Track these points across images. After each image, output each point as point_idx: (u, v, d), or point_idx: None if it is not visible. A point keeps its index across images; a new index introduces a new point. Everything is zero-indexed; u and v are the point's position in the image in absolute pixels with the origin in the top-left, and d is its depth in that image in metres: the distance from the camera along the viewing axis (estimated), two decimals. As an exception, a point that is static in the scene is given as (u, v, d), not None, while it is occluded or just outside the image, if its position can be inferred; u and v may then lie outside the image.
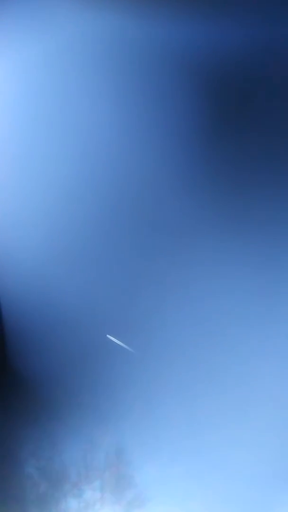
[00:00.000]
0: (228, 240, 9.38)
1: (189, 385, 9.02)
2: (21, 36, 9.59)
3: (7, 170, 9.34)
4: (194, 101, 9.76)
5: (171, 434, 8.83)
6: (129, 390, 8.86)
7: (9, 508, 8.01)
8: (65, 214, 9.46)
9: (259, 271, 9.33)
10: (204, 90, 9.77)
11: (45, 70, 9.73)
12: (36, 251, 9.28)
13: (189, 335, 9.09)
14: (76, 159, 9.62)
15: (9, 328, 8.83)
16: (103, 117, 9.68)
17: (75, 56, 9.72)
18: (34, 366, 8.93)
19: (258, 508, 8.61)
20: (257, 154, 9.69)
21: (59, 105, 9.71)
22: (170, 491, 8.58)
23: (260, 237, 9.42)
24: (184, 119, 9.79)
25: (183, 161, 9.68)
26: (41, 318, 9.09)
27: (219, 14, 9.66)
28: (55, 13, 9.59)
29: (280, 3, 9.75)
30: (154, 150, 9.65)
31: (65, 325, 9.09)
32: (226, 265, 9.29)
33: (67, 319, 9.11)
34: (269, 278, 9.32)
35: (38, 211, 9.46)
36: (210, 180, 9.61)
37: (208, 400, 8.95)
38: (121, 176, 9.54)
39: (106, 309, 9.17)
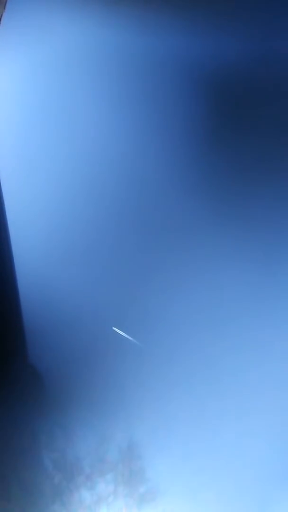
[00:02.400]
0: (227, 237, 9.58)
1: (200, 380, 9.10)
2: (26, 43, 9.86)
3: (14, 170, 9.50)
4: (194, 107, 10.05)
5: (182, 429, 8.88)
6: (141, 385, 8.93)
7: (24, 499, 7.98)
8: (70, 214, 9.62)
9: (258, 266, 9.53)
10: (203, 96, 10.07)
11: (49, 77, 9.98)
12: (43, 251, 9.40)
13: (195, 328, 9.22)
14: (81, 161, 9.82)
15: (27, 325, 8.91)
16: (106, 122, 9.91)
17: (78, 63, 9.99)
18: (48, 361, 8.97)
19: (269, 501, 8.64)
20: (255, 156, 9.97)
21: (63, 110, 9.94)
22: (181, 485, 8.59)
23: (259, 234, 9.64)
24: (184, 124, 10.06)
25: (184, 163, 9.93)
26: (54, 315, 9.18)
27: (219, 24, 10.03)
28: (59, 22, 9.89)
29: (276, 15, 10.15)
30: (156, 152, 9.89)
31: (76, 322, 9.18)
32: (226, 260, 9.47)
33: (79, 316, 9.20)
34: (268, 273, 9.52)
35: (44, 211, 9.62)
36: (210, 181, 9.86)
37: (219, 395, 9.02)
38: (125, 178, 9.74)
39: (115, 305, 9.29)
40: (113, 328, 8.93)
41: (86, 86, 9.93)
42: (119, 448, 8.48)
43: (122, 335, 8.87)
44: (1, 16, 9.02)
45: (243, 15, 10.15)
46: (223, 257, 9.49)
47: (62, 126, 9.87)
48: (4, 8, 8.96)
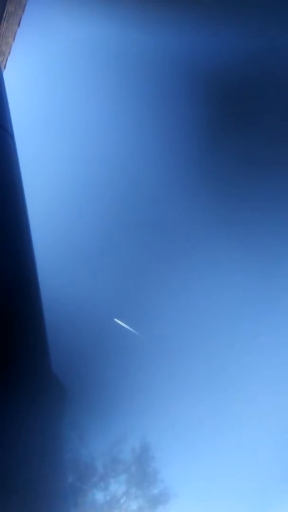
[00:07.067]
0: (226, 240, 9.58)
1: (210, 387, 9.11)
2: (42, 44, 9.90)
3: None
4: (194, 107, 10.04)
5: (195, 432, 8.88)
6: (154, 390, 8.95)
7: (36, 499, 8.01)
8: (70, 217, 9.66)
9: (256, 269, 9.52)
10: (204, 96, 10.06)
11: (51, 76, 10.03)
12: (48, 257, 9.44)
13: (205, 335, 9.24)
14: (82, 163, 9.85)
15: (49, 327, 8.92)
16: (106, 122, 9.94)
17: (78, 63, 10.03)
18: (63, 364, 9.00)
19: (279, 501, 8.62)
20: (255, 158, 9.94)
21: (63, 110, 9.98)
22: (194, 488, 8.58)
23: (258, 237, 9.62)
24: (184, 124, 10.06)
25: (184, 165, 9.93)
26: (66, 318, 9.22)
27: (220, 22, 10.01)
28: (61, 20, 9.92)
29: (279, 13, 10.11)
30: (156, 154, 9.90)
31: (89, 326, 9.22)
32: (224, 262, 9.47)
33: (91, 320, 9.24)
34: (267, 276, 9.51)
35: (47, 213, 9.67)
36: (209, 183, 9.86)
37: (228, 400, 9.02)
38: (125, 179, 9.77)
39: (128, 313, 9.33)
40: (115, 319, 8.96)
41: (86, 88, 9.98)
42: (132, 449, 8.50)
43: (124, 326, 8.91)
44: (20, 18, 9.07)
45: (243, 14, 10.13)
46: (223, 259, 9.51)
47: (63, 129, 9.92)
48: (23, 10, 9.00)
